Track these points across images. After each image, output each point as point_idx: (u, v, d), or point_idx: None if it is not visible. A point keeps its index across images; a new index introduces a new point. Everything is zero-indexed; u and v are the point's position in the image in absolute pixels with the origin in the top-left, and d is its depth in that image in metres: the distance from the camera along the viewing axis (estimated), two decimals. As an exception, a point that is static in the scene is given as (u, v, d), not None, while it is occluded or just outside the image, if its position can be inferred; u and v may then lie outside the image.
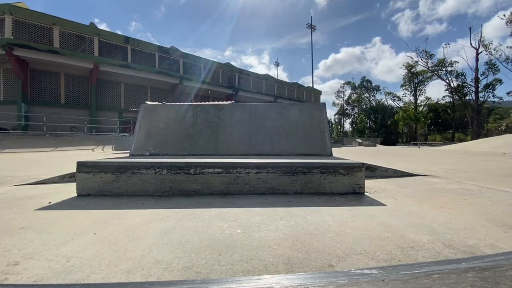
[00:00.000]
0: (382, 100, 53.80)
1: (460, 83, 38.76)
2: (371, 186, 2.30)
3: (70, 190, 2.06)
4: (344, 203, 1.66)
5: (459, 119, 42.27)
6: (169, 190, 1.90)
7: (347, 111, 57.64)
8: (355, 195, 1.91)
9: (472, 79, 36.91)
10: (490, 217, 1.35)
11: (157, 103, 3.83)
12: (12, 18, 15.68)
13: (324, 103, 3.53)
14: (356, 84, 55.45)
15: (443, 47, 46.37)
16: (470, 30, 40.88)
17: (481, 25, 46.95)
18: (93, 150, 10.82)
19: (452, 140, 38.27)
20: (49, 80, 17.24)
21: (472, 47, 35.55)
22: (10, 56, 14.67)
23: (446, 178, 2.76)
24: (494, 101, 38.21)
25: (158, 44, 22.00)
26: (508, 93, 36.10)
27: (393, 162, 5.03)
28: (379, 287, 0.57)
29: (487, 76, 36.53)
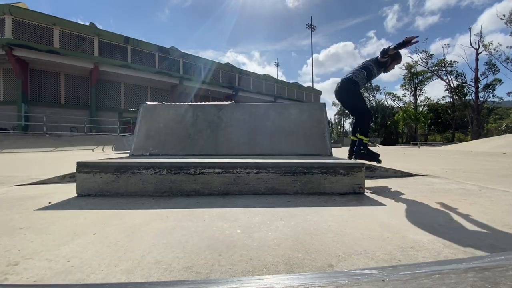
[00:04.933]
0: (382, 100, 53.82)
1: (460, 83, 38.76)
2: (371, 186, 2.30)
3: (70, 190, 2.06)
4: (344, 203, 1.66)
5: (459, 119, 42.25)
6: (169, 190, 1.90)
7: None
8: (355, 195, 1.91)
9: (472, 79, 36.91)
10: (490, 217, 1.35)
11: (157, 103, 3.83)
12: (12, 18, 15.69)
13: (324, 103, 3.53)
14: (356, 84, 55.34)
15: (443, 47, 46.40)
16: (470, 30, 40.94)
17: (481, 25, 46.96)
18: (93, 150, 10.82)
19: (452, 140, 38.25)
20: (49, 80, 17.24)
21: (472, 47, 35.56)
22: (10, 56, 14.67)
23: (446, 178, 2.76)
24: (494, 101, 38.18)
25: (158, 44, 21.92)
26: (508, 93, 36.10)
27: (393, 162, 5.03)
28: (379, 287, 0.57)
29: (487, 76, 36.54)
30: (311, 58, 79.93)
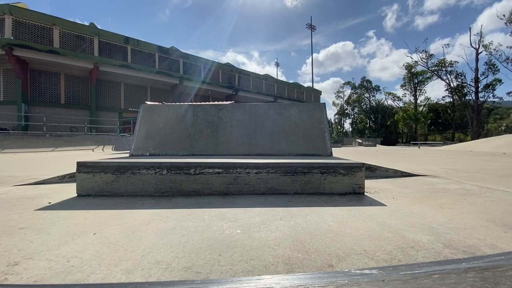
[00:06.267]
0: (382, 100, 53.85)
1: (460, 83, 38.78)
2: (371, 186, 2.30)
3: (70, 190, 2.06)
4: (344, 203, 1.66)
5: (459, 119, 42.26)
6: (169, 190, 1.90)
7: (347, 111, 57.67)
8: (355, 195, 1.91)
9: (472, 79, 36.95)
10: (490, 217, 1.35)
11: (157, 103, 3.83)
12: (12, 18, 15.68)
13: (324, 103, 3.53)
14: (356, 84, 55.51)
15: (443, 47, 46.42)
16: (470, 30, 40.96)
17: (481, 25, 46.94)
18: (93, 150, 10.82)
19: (452, 140, 38.28)
20: (49, 80, 17.24)
21: (472, 47, 35.60)
22: (10, 56, 14.68)
23: (446, 178, 2.76)
24: (494, 101, 38.21)
25: (158, 44, 21.91)
26: (508, 93, 36.13)
27: (393, 162, 5.03)
28: (379, 287, 0.57)
29: (487, 76, 36.57)
30: (311, 58, 79.90)
